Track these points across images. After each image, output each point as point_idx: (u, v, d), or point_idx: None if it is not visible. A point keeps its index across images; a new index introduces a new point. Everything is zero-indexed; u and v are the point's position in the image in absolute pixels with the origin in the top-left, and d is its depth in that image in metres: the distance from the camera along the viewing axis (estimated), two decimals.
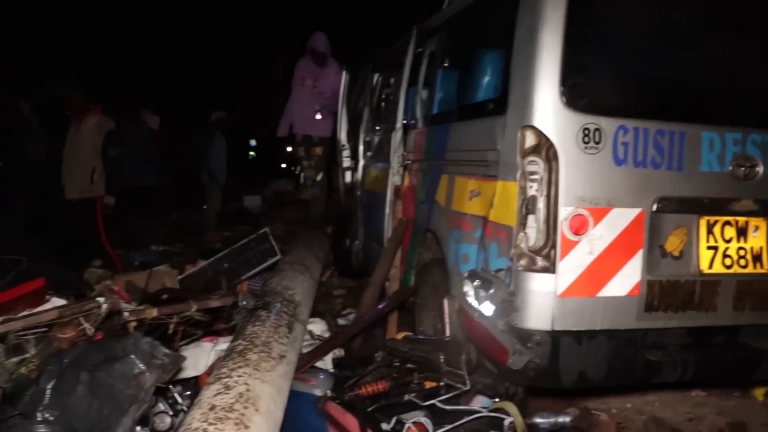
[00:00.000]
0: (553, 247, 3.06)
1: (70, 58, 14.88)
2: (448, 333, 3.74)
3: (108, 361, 2.90)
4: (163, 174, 10.91)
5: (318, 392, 3.22)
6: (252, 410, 2.24)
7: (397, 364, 3.46)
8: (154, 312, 3.05)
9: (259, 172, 17.37)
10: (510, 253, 3.15)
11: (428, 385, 3.26)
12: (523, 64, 3.15)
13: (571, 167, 3.03)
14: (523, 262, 3.08)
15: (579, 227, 3.05)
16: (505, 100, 3.27)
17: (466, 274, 3.29)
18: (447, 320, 3.79)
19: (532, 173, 3.07)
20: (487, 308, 3.12)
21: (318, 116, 8.04)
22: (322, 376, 3.48)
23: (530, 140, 3.06)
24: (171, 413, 3.71)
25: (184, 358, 2.99)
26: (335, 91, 7.81)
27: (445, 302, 3.80)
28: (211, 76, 21.30)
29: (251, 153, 21.84)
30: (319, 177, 8.30)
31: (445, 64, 4.50)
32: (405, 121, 5.01)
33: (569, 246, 3.06)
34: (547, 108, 3.04)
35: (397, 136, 4.99)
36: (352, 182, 6.88)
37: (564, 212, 3.04)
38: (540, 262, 3.07)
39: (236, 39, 21.02)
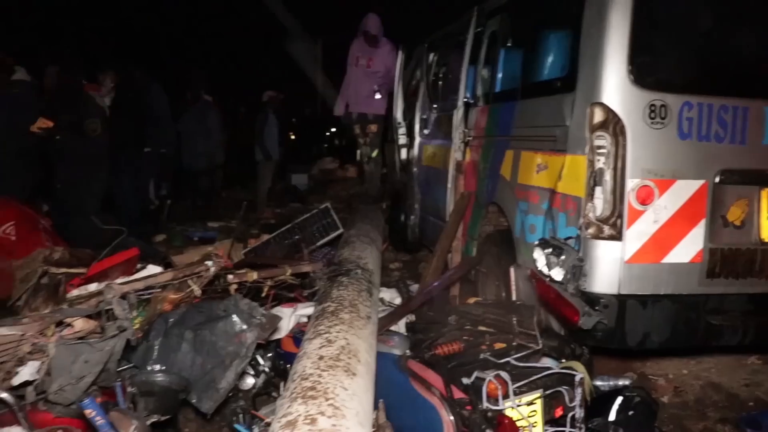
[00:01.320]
0: (620, 216, 3.27)
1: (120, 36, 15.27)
2: (514, 298, 3.98)
3: (210, 320, 3.18)
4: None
5: (397, 352, 3.45)
6: (355, 360, 2.49)
7: (468, 327, 3.68)
8: (254, 275, 3.31)
9: (303, 151, 17.68)
10: (578, 223, 3.36)
11: (498, 346, 3.48)
12: (591, 44, 3.34)
13: (637, 141, 3.23)
14: (591, 230, 3.30)
15: (645, 198, 3.25)
16: (574, 79, 3.46)
17: (536, 243, 3.49)
18: (513, 287, 4.02)
19: (600, 147, 3.27)
20: (558, 273, 3.33)
21: (377, 96, 8.24)
22: (398, 338, 3.72)
23: (599, 116, 3.25)
24: (253, 374, 3.99)
25: (280, 318, 3.25)
26: (389, 70, 8.03)
27: (512, 270, 4.03)
28: (254, 57, 21.54)
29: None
30: (374, 154, 8.54)
31: (508, 44, 4.67)
32: (466, 100, 5.20)
33: (636, 215, 3.26)
34: (616, 86, 3.23)
35: (458, 114, 5.19)
36: (407, 159, 7.10)
37: (631, 183, 3.24)
38: (607, 230, 3.28)
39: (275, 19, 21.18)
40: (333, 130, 19.06)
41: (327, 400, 2.07)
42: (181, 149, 9.85)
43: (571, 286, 3.30)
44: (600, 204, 3.29)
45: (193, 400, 3.10)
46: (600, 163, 3.27)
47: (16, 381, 2.78)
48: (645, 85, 3.23)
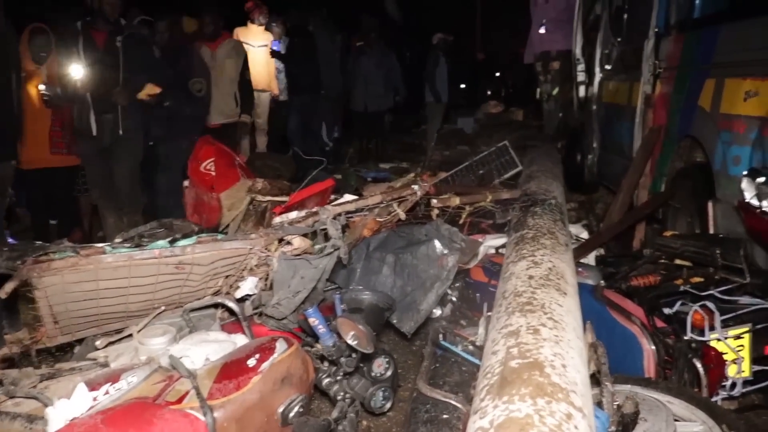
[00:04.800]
0: None
1: None
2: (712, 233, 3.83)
3: (411, 244, 3.29)
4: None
5: (591, 282, 3.44)
6: (563, 281, 2.50)
7: (664, 260, 3.59)
8: (456, 200, 3.38)
9: (469, 94, 17.57)
10: None
11: (695, 281, 3.36)
12: None
13: None
14: None
15: None
16: None
17: (745, 173, 3.32)
18: (711, 222, 3.86)
19: None
20: None
21: (559, 31, 8.00)
22: (590, 270, 3.69)
23: None
24: (441, 303, 4.11)
25: (480, 244, 3.31)
26: (570, 4, 7.77)
27: (710, 204, 3.86)
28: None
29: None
30: (555, 91, 8.35)
31: None
32: (657, 29, 4.96)
33: None
34: None
35: (649, 45, 4.97)
36: (586, 96, 6.90)
37: None
38: None
39: None
40: (498, 74, 18.78)
41: (545, 314, 2.11)
42: (358, 91, 10.13)
43: None
44: None
45: (394, 321, 3.25)
46: None
47: (238, 294, 3.03)
48: None
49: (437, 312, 4.06)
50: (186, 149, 5.78)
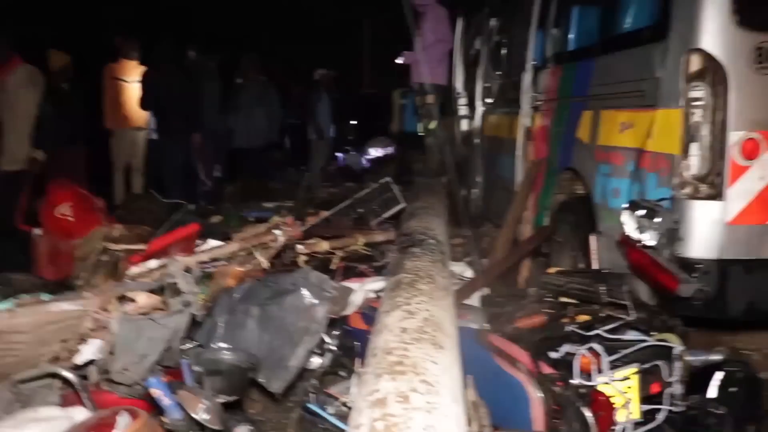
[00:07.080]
0: (719, 173, 2.98)
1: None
2: (595, 268, 3.72)
3: (278, 295, 3.00)
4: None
5: (474, 326, 3.25)
6: (440, 333, 2.27)
7: (549, 298, 3.44)
8: (325, 245, 3.12)
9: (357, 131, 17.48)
10: (672, 183, 3.08)
11: (581, 318, 3.24)
12: None
13: (742, 90, 2.94)
14: (686, 190, 3.03)
15: (750, 152, 2.96)
16: (666, 25, 3.16)
17: (625, 206, 3.23)
18: (594, 256, 3.76)
19: (697, 99, 2.98)
20: (651, 238, 3.07)
21: (429, 65, 7.81)
22: (473, 312, 3.50)
23: (696, 64, 2.97)
24: (319, 353, 3.81)
25: (351, 291, 3.06)
26: (440, 37, 7.66)
27: (592, 238, 3.77)
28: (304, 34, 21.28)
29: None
30: (432, 125, 8.20)
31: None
32: (534, 63, 4.93)
33: (739, 171, 2.97)
34: (717, 29, 2.94)
35: (527, 78, 4.92)
36: (468, 130, 6.84)
37: (734, 137, 2.95)
38: (705, 189, 3.01)
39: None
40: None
41: (417, 375, 1.86)
42: (238, 128, 9.81)
43: (666, 251, 3.03)
44: (696, 161, 3.01)
45: (261, 380, 2.94)
46: (696, 116, 2.99)
47: (80, 360, 2.65)
48: (752, 25, 2.92)
49: (317, 361, 3.77)
50: None
